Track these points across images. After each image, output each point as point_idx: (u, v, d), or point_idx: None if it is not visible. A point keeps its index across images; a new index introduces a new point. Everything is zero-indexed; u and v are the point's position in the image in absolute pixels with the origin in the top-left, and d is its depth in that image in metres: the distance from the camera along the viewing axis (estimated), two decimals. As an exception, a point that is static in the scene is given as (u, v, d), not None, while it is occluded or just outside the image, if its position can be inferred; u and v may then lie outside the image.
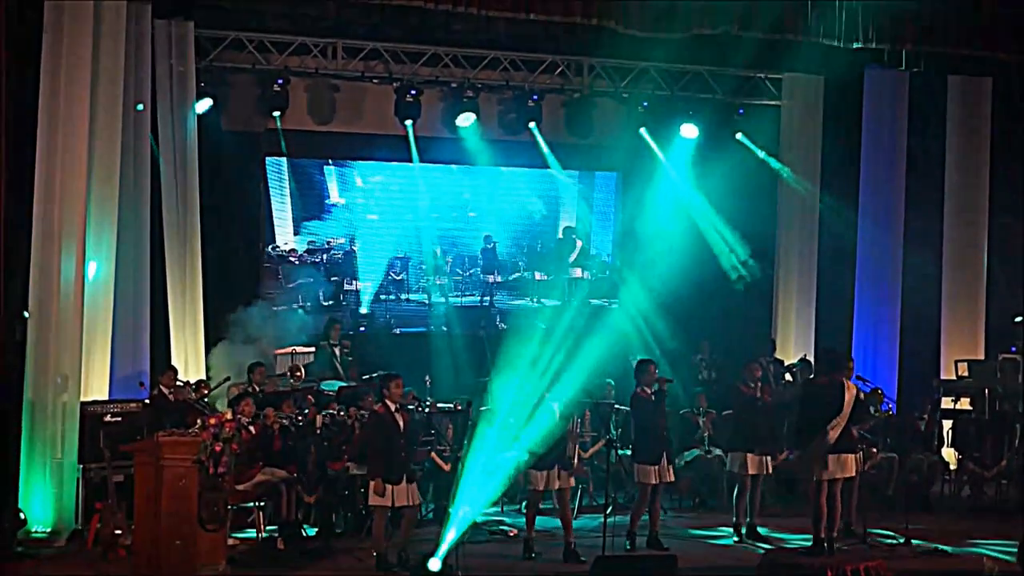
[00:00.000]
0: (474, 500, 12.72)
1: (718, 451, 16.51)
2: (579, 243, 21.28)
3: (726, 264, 20.07)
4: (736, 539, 14.69)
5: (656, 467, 14.02)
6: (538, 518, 15.43)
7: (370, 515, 14.43)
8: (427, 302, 20.33)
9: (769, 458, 14.91)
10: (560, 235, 21.31)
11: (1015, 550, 13.09)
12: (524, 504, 15.96)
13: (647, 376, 14.22)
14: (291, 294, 19.23)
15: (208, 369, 17.08)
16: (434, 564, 11.40)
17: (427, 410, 15.53)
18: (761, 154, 20.06)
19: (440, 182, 20.23)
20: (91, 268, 14.62)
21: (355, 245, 19.90)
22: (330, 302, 19.49)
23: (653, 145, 20.10)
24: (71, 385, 14.04)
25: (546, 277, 20.97)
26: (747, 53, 18.61)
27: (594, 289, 21.16)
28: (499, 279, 20.75)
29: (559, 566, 13.30)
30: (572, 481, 13.80)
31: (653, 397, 14.11)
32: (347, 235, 19.91)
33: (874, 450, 16.10)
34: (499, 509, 16.01)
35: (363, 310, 19.92)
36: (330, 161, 19.74)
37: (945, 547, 14.29)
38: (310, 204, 19.65)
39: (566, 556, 13.46)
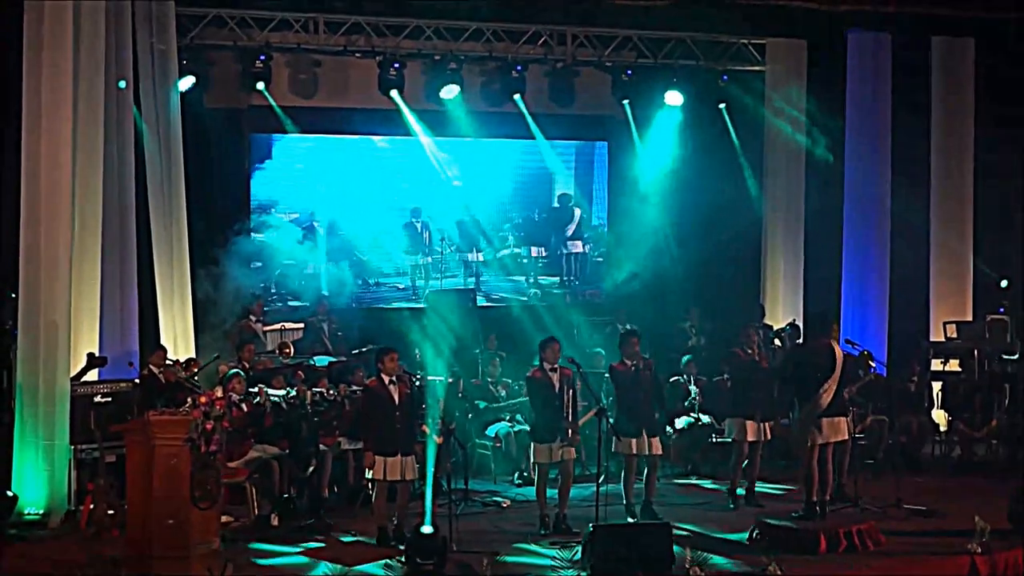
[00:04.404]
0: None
1: (707, 418, 16.56)
2: (578, 211, 20.96)
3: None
4: (733, 505, 14.68)
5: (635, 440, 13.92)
6: (524, 489, 15.49)
7: (362, 490, 14.47)
8: (405, 286, 20.09)
9: (768, 424, 14.91)
10: (556, 203, 20.98)
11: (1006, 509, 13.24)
12: (516, 476, 16.10)
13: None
14: (264, 273, 18.99)
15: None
16: (427, 530, 11.52)
17: (419, 383, 15.51)
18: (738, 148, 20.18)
19: (423, 155, 19.88)
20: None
21: (329, 223, 19.64)
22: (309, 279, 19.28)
23: (630, 118, 20.07)
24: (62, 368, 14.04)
25: (544, 253, 20.69)
26: (730, 19, 18.60)
27: (595, 265, 21.07)
28: (482, 257, 20.38)
29: (551, 536, 13.27)
30: (574, 452, 13.75)
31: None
32: (321, 212, 19.67)
33: (869, 418, 16.15)
34: (492, 480, 16.09)
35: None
36: (299, 135, 19.35)
37: (936, 508, 14.38)
38: (281, 180, 19.48)
39: (557, 527, 13.46)
